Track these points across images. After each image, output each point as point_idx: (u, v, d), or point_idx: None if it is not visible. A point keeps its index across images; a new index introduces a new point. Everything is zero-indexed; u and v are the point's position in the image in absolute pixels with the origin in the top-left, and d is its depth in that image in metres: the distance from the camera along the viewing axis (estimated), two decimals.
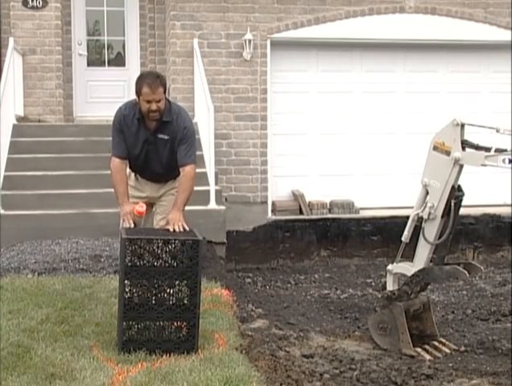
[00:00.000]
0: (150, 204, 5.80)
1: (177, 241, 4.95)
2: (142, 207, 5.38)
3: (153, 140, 5.47)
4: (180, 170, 5.48)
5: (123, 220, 5.34)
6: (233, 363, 4.69)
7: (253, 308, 7.16)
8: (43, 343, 5.00)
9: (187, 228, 5.18)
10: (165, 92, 5.36)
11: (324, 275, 9.75)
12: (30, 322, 5.50)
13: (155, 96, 5.25)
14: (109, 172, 5.62)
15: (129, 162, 5.64)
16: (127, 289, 4.90)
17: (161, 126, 5.44)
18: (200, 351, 4.92)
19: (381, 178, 11.05)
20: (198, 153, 9.07)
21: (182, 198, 5.39)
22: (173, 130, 5.42)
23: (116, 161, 5.52)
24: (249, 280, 9.40)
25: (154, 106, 5.28)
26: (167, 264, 4.93)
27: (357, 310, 7.67)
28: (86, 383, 4.31)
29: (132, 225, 5.29)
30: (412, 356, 5.99)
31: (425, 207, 6.13)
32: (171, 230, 5.14)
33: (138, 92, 5.30)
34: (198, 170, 8.81)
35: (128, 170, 5.73)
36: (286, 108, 10.81)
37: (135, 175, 5.78)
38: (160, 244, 4.92)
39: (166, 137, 5.44)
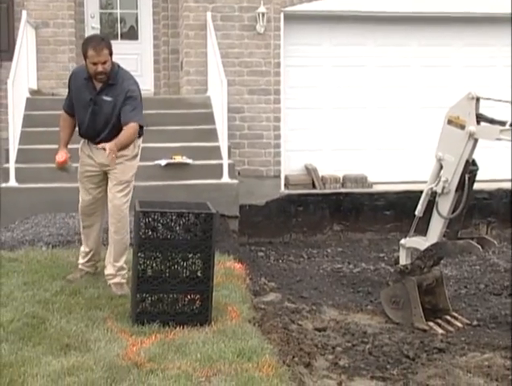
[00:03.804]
0: (104, 174, 5.85)
1: (191, 214, 4.96)
2: (61, 157, 5.61)
3: (98, 100, 5.63)
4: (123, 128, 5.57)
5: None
6: (246, 336, 4.73)
7: (266, 281, 7.19)
8: (58, 315, 5.06)
9: (115, 155, 5.32)
10: (111, 55, 5.56)
11: (337, 249, 9.75)
12: (45, 293, 5.56)
13: (100, 58, 5.47)
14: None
15: (79, 126, 5.85)
16: (141, 262, 4.94)
17: (106, 88, 5.62)
18: (213, 323, 4.96)
19: (394, 152, 10.99)
20: (211, 127, 9.23)
21: (123, 138, 5.45)
22: (117, 93, 5.58)
23: (63, 113, 5.92)
24: (261, 254, 9.42)
25: (100, 68, 5.49)
26: (180, 237, 4.96)
27: (369, 284, 7.69)
28: (100, 354, 4.35)
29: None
30: (424, 330, 6.01)
31: (439, 181, 6.12)
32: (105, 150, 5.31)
33: (85, 55, 5.54)
34: (211, 144, 8.96)
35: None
36: (300, 82, 10.75)
37: (88, 142, 5.87)
38: (174, 217, 4.95)
39: (109, 99, 5.60)
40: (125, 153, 5.70)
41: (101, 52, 5.47)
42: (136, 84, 5.74)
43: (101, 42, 5.55)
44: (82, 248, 6.13)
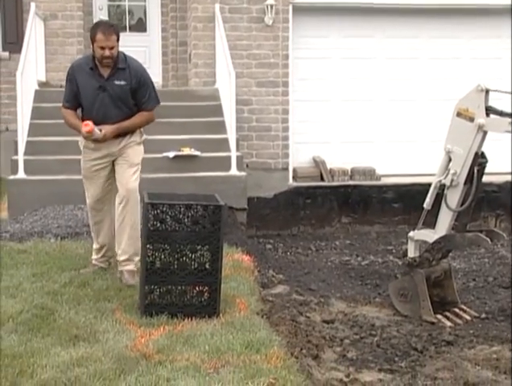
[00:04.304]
0: (111, 164, 5.86)
1: (199, 206, 4.97)
2: (88, 126, 5.56)
3: (108, 86, 5.66)
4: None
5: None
6: (254, 328, 4.74)
7: (274, 274, 7.19)
8: (67, 306, 5.08)
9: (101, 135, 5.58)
10: (118, 41, 5.61)
11: (345, 242, 9.76)
12: (54, 285, 5.58)
13: (109, 42, 5.54)
14: None
15: (84, 116, 5.78)
16: (149, 254, 4.95)
17: (116, 73, 5.68)
18: (221, 315, 4.98)
19: (403, 145, 10.96)
20: (219, 119, 9.23)
21: (127, 123, 5.73)
22: (129, 77, 5.66)
23: (65, 110, 5.88)
24: (269, 246, 9.43)
25: (107, 52, 5.55)
26: (189, 229, 4.96)
27: (377, 276, 7.68)
28: (109, 346, 4.37)
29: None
30: (433, 323, 6.01)
31: (448, 173, 6.10)
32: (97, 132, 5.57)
33: (93, 39, 5.60)
34: (219, 136, 8.95)
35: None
36: (308, 75, 10.73)
37: None
38: (182, 209, 4.95)
39: (123, 83, 5.66)
40: (132, 139, 5.82)
41: (109, 37, 5.53)
42: (143, 67, 5.88)
43: (110, 27, 5.65)
44: (94, 245, 6.09)
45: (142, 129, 5.94)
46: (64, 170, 8.09)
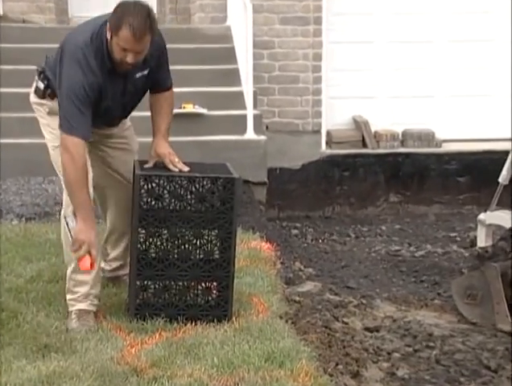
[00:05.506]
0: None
1: (206, 179, 4.97)
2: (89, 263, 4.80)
3: (130, 83, 5.04)
4: (159, 94, 5.29)
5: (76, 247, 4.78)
6: (276, 335, 4.76)
7: (302, 267, 7.25)
8: (34, 307, 5.11)
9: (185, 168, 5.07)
10: (152, 36, 4.79)
11: (394, 226, 9.80)
12: (17, 280, 5.62)
13: (137, 46, 4.72)
14: None
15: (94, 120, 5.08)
16: (142, 240, 4.97)
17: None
18: (234, 318, 5.00)
19: (471, 100, 10.94)
20: (231, 66, 9.26)
21: (166, 123, 5.24)
22: (149, 60, 4.99)
23: (78, 142, 4.83)
24: (296, 231, 9.49)
25: (130, 58, 4.75)
26: (192, 209, 4.97)
27: (436, 271, 7.70)
28: (89, 357, 4.39)
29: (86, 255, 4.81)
30: (511, 333, 6.01)
31: None
32: (173, 168, 5.02)
33: (114, 32, 4.71)
34: (232, 89, 8.98)
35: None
36: (348, 8, 10.72)
37: None
38: (184, 183, 4.96)
39: (145, 73, 5.04)
40: (128, 123, 5.51)
41: (141, 40, 4.69)
42: (163, 38, 5.21)
43: (145, 22, 4.69)
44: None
45: None
46: (29, 132, 8.08)
